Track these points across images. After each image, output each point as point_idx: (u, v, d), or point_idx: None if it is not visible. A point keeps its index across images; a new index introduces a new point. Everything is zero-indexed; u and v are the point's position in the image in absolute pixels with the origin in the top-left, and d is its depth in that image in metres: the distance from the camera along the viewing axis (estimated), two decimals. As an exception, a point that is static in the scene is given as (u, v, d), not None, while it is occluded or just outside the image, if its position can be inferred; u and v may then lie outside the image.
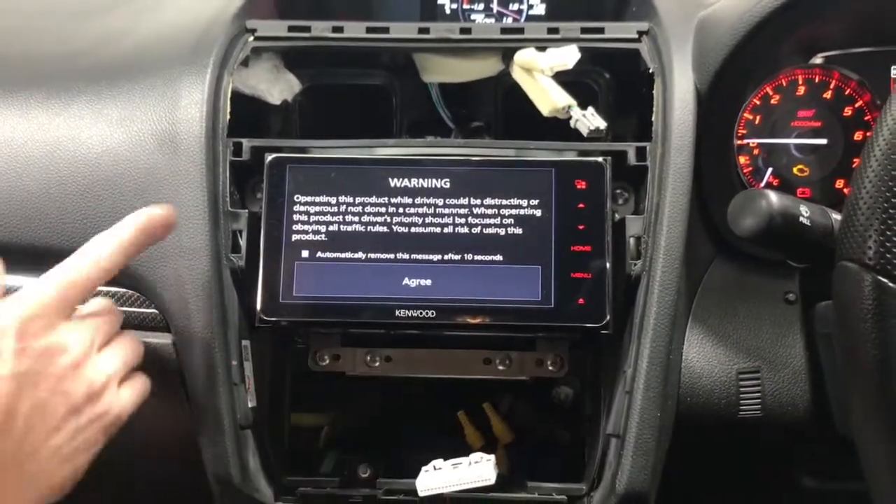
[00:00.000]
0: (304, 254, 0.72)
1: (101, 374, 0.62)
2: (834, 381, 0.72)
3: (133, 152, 0.75)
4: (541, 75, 0.78)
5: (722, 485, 0.90)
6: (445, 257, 0.72)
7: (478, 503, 0.73)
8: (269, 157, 0.74)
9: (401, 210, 0.73)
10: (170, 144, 0.74)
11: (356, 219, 0.73)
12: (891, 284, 0.48)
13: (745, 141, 0.79)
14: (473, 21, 1.01)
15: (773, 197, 0.59)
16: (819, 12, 0.75)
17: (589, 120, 0.75)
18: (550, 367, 0.77)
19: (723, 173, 0.78)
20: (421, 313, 0.71)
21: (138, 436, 0.85)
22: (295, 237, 0.72)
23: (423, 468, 0.74)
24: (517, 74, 0.81)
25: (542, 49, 0.79)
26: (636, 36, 0.81)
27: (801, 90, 0.79)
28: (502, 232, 0.72)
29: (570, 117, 0.76)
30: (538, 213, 0.72)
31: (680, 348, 0.73)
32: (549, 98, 0.77)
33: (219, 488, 0.72)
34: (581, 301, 0.71)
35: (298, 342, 0.81)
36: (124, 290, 0.76)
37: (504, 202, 0.73)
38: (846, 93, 0.78)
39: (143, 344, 0.69)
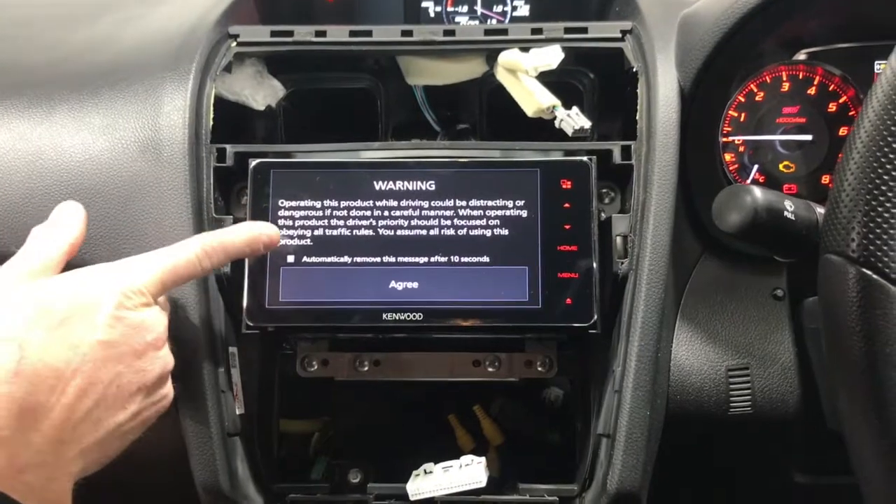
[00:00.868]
0: (290, 259, 0.72)
1: (170, 361, 0.63)
2: (823, 377, 0.72)
3: (116, 160, 0.74)
4: (525, 76, 0.78)
5: (713, 482, 0.90)
6: (432, 260, 0.72)
7: (469, 506, 0.73)
8: (253, 163, 0.73)
9: (386, 213, 0.73)
10: (153, 151, 0.74)
11: (341, 223, 0.72)
12: (875, 276, 0.48)
13: (731, 138, 0.79)
14: (457, 23, 1.01)
15: (758, 192, 0.59)
16: (801, 8, 0.75)
17: (574, 120, 0.74)
18: (540, 368, 0.77)
19: (709, 171, 0.78)
20: (408, 316, 0.71)
21: (125, 451, 0.84)
22: (280, 242, 0.72)
23: (414, 472, 0.74)
24: (501, 76, 0.80)
25: (526, 50, 0.79)
26: (619, 35, 0.81)
27: (786, 87, 0.79)
28: (488, 233, 0.72)
29: (555, 117, 0.76)
30: (524, 213, 0.72)
31: (669, 346, 0.73)
32: (533, 99, 0.77)
33: (207, 497, 0.71)
34: (568, 301, 0.71)
35: (286, 348, 0.80)
36: (109, 298, 0.75)
37: (490, 203, 0.72)
38: (830, 88, 0.78)
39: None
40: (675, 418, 0.72)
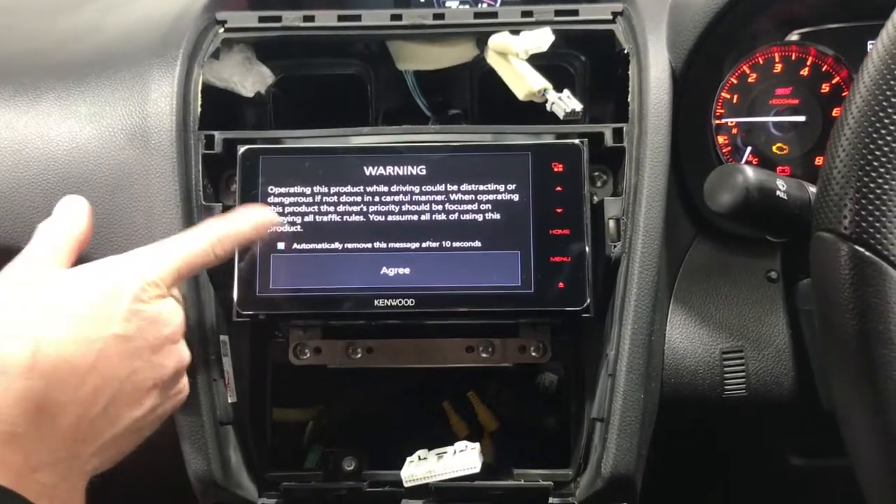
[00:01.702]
0: (280, 245, 0.71)
1: (186, 355, 0.63)
2: (818, 359, 0.72)
3: (103, 148, 0.74)
4: (516, 59, 0.77)
5: (708, 465, 0.90)
6: (423, 245, 0.71)
7: (464, 492, 0.72)
8: (242, 149, 0.73)
9: (377, 198, 0.72)
10: (140, 139, 0.73)
11: (332, 209, 0.72)
12: (867, 253, 0.47)
13: (724, 120, 0.79)
14: (448, 7, 1.00)
15: (749, 171, 0.59)
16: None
17: (565, 103, 0.74)
18: (533, 354, 0.77)
19: (702, 153, 0.78)
20: (400, 302, 0.71)
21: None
22: (270, 229, 0.71)
23: (408, 459, 0.74)
24: (492, 59, 0.80)
25: (517, 33, 0.78)
26: (610, 17, 0.80)
27: (778, 68, 0.78)
28: (480, 218, 0.71)
29: (546, 101, 0.75)
30: (516, 197, 0.71)
31: (662, 329, 0.73)
32: (524, 82, 0.76)
33: (200, 487, 0.71)
34: (561, 285, 0.70)
35: (278, 336, 0.80)
36: (99, 288, 0.74)
37: (481, 187, 0.72)
38: (823, 69, 0.78)
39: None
40: (669, 402, 0.72)
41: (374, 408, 0.91)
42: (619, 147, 0.74)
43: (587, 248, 0.71)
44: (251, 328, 0.77)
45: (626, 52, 0.77)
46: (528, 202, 0.71)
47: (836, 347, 0.51)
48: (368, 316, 0.72)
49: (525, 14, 0.79)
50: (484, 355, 0.77)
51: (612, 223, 0.73)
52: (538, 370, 0.87)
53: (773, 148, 0.79)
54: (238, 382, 0.75)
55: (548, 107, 0.75)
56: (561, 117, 0.74)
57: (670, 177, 0.72)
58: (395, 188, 0.72)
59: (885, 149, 0.47)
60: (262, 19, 0.80)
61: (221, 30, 0.80)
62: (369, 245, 0.71)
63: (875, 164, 0.48)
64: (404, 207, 0.72)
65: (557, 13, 0.79)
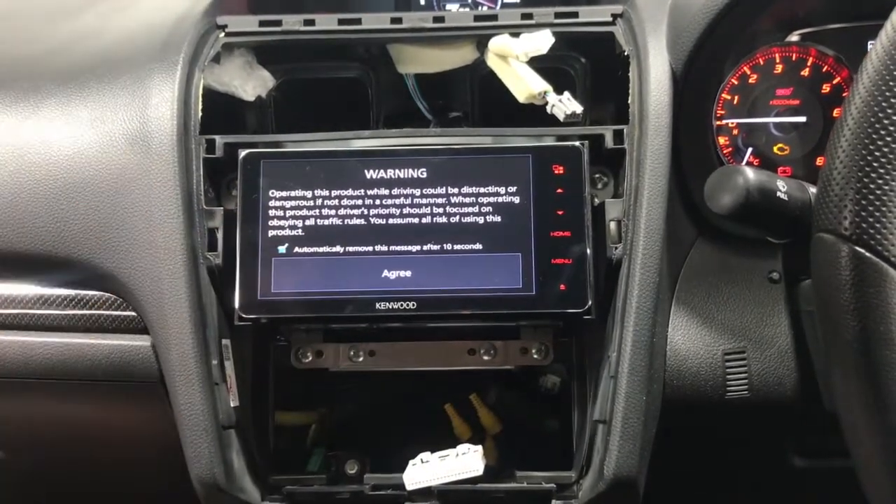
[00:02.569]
0: (281, 249, 0.71)
1: None
2: (820, 359, 0.72)
3: (105, 153, 0.74)
4: (516, 61, 0.77)
5: (711, 467, 0.90)
6: (424, 248, 0.71)
7: (466, 495, 0.72)
8: (243, 153, 0.73)
9: (378, 202, 0.72)
10: (141, 144, 0.73)
11: (333, 212, 0.72)
12: (868, 254, 0.47)
13: (724, 121, 0.78)
14: (448, 10, 1.00)
15: (750, 172, 0.59)
16: (791, -12, 0.74)
17: (565, 105, 0.74)
18: (535, 356, 0.77)
19: (702, 154, 0.78)
20: (402, 305, 0.71)
21: (121, 445, 0.84)
22: (271, 233, 0.71)
23: (411, 462, 0.74)
24: (492, 62, 0.80)
25: (517, 35, 0.78)
26: (610, 19, 0.80)
27: (779, 68, 0.78)
28: (481, 220, 0.71)
29: (547, 103, 0.75)
30: (516, 199, 0.71)
31: (664, 331, 0.73)
32: (524, 84, 0.76)
33: (203, 491, 0.71)
34: (563, 287, 0.70)
35: (280, 340, 0.80)
36: (101, 293, 0.75)
37: (482, 190, 0.72)
38: (824, 70, 0.78)
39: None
40: (671, 403, 0.72)
41: (377, 411, 0.91)
42: (620, 149, 0.73)
43: (588, 250, 0.71)
44: (253, 332, 0.77)
45: (626, 53, 0.77)
46: (529, 204, 0.71)
47: (838, 348, 0.51)
48: (370, 319, 0.72)
49: (525, 16, 0.79)
50: (486, 358, 0.77)
51: (613, 225, 0.73)
52: (540, 372, 0.87)
53: (774, 149, 0.78)
54: (240, 386, 0.75)
55: (548, 109, 0.75)
56: (561, 119, 0.74)
57: (671, 178, 0.72)
58: (396, 191, 0.72)
59: (885, 149, 0.47)
60: (262, 23, 0.80)
61: (222, 34, 0.80)
62: (370, 248, 0.71)
63: (875, 164, 0.48)
64: (405, 210, 0.72)
65: (557, 15, 0.80)
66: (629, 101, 0.75)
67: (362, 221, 0.72)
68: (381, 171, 0.72)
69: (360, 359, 0.78)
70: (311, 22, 0.80)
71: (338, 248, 0.72)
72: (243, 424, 0.74)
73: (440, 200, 0.72)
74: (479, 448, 0.73)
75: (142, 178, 0.72)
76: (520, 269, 0.71)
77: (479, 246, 0.71)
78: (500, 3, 1.01)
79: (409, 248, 0.71)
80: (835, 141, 0.51)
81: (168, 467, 0.75)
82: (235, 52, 0.82)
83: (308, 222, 0.72)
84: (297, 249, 0.72)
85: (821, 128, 0.78)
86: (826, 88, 0.78)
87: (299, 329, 0.77)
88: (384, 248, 0.71)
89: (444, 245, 0.71)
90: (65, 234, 0.73)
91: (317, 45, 0.82)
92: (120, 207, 0.73)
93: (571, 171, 0.72)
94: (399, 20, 0.80)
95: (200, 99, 0.76)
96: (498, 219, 0.71)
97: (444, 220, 0.72)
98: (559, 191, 0.72)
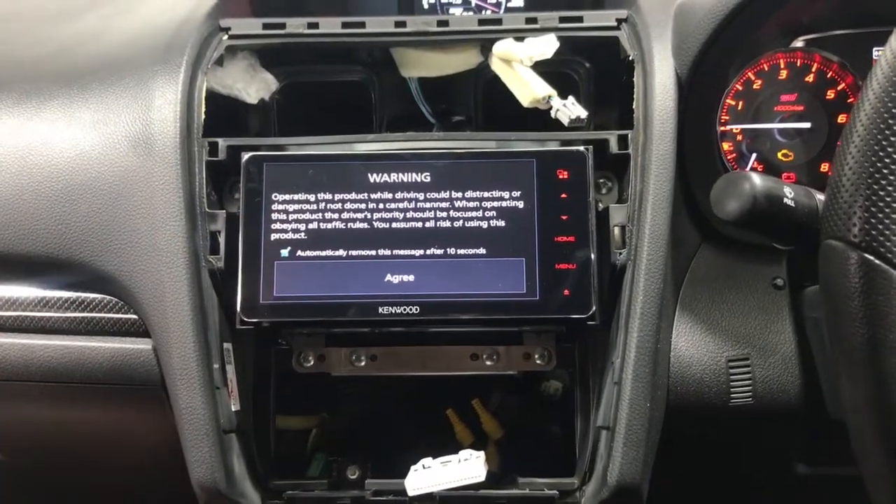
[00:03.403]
0: (284, 253, 0.71)
1: None
2: (824, 367, 0.71)
3: (107, 155, 0.74)
4: (520, 66, 0.77)
5: (715, 474, 0.89)
6: (428, 252, 0.71)
7: (468, 501, 0.72)
8: (246, 156, 0.73)
9: (381, 205, 0.72)
10: (144, 146, 0.73)
11: (336, 216, 0.72)
12: (877, 261, 0.47)
13: (729, 127, 0.78)
14: (452, 14, 1.00)
15: (756, 178, 0.58)
16: (796, -6, 0.74)
17: (570, 109, 0.74)
18: (538, 361, 0.76)
19: (707, 160, 0.77)
20: (404, 310, 0.70)
21: (121, 449, 0.84)
22: (274, 236, 0.71)
23: (413, 467, 0.73)
24: (496, 66, 0.80)
25: (521, 39, 0.78)
26: (615, 24, 0.80)
27: (784, 74, 0.78)
28: (485, 225, 0.71)
29: (551, 107, 0.75)
30: (520, 204, 0.71)
31: (668, 337, 0.72)
32: (529, 89, 0.76)
33: (204, 495, 0.70)
34: (566, 292, 0.70)
35: (282, 343, 0.80)
36: (103, 295, 0.74)
37: (486, 194, 0.72)
38: (828, 76, 0.77)
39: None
40: (675, 410, 0.72)
41: (378, 416, 0.91)
42: (625, 154, 0.73)
43: (592, 256, 0.70)
44: (255, 336, 0.77)
45: (630, 58, 0.77)
46: (533, 209, 0.71)
47: (846, 357, 0.50)
48: (373, 323, 0.72)
49: (529, 21, 0.79)
50: (488, 363, 0.77)
51: (617, 230, 0.72)
52: (543, 377, 0.87)
53: (779, 154, 0.78)
54: (241, 390, 0.74)
55: (552, 114, 0.75)
56: (565, 124, 0.73)
57: (675, 183, 0.72)
58: (399, 195, 0.72)
59: (895, 156, 0.47)
60: (266, 26, 0.80)
61: (225, 37, 0.80)
62: (373, 252, 0.71)
63: (885, 171, 0.47)
64: (409, 214, 0.72)
65: (562, 20, 0.79)
66: (634, 106, 0.75)
67: (365, 225, 0.72)
68: (385, 174, 0.72)
69: (362, 363, 0.78)
70: (314, 25, 0.80)
71: (341, 252, 0.71)
72: (244, 428, 0.74)
73: (444, 204, 0.72)
74: (482, 454, 0.73)
75: (144, 180, 0.72)
76: (523, 274, 0.70)
77: (482, 250, 0.71)
78: (503, 7, 1.00)
79: (413, 252, 0.71)
80: (844, 147, 0.51)
81: (168, 471, 0.74)
82: (239, 55, 0.82)
83: (311, 226, 0.71)
84: (299, 253, 0.71)
85: (825, 134, 0.77)
86: (831, 94, 0.77)
87: (301, 333, 0.77)
88: (387, 251, 0.71)
89: (448, 249, 0.71)
90: (66, 236, 0.72)
91: (320, 49, 0.82)
92: (122, 210, 0.72)
93: (576, 175, 0.71)
94: (403, 24, 0.80)
95: (203, 101, 0.75)
96: (502, 223, 0.71)
97: (447, 224, 0.71)
98: (563, 196, 0.71)
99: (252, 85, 0.83)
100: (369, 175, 0.72)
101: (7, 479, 0.92)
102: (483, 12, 1.01)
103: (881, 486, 0.51)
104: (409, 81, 0.88)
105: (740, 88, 0.78)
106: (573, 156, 0.72)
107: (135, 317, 0.74)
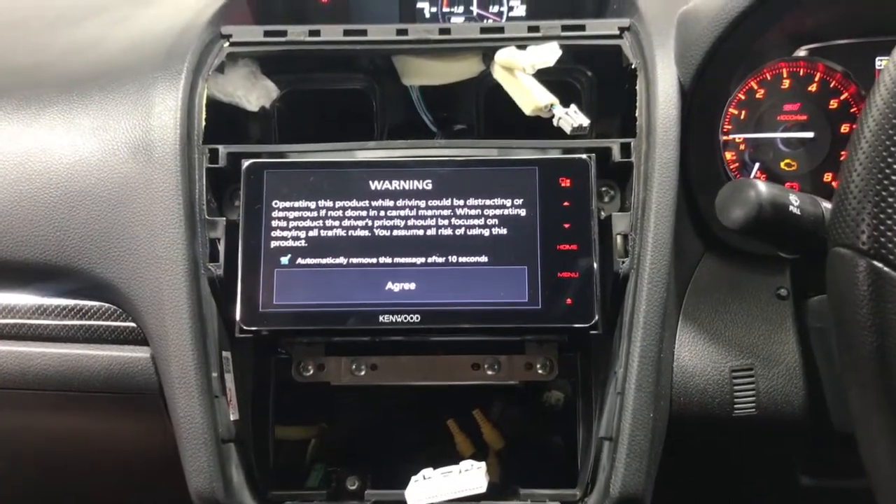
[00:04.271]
0: (284, 260, 0.71)
1: None
2: (829, 377, 0.71)
3: (106, 162, 0.73)
4: (522, 74, 0.77)
5: (718, 485, 0.89)
6: (429, 260, 0.70)
7: (469, 512, 0.71)
8: (246, 163, 0.72)
9: (382, 213, 0.71)
10: (144, 153, 0.72)
11: (336, 223, 0.71)
12: (886, 269, 0.47)
13: (731, 136, 0.78)
14: (454, 22, 1.00)
15: (762, 186, 0.58)
16: (800, 3, 0.74)
17: (572, 117, 0.73)
18: (540, 371, 0.76)
19: (709, 169, 0.77)
20: (405, 318, 0.70)
21: (119, 457, 0.83)
22: (274, 244, 0.71)
23: (413, 478, 0.72)
24: (498, 74, 0.79)
25: (523, 48, 0.78)
26: (617, 32, 0.80)
27: (786, 83, 0.78)
28: (487, 233, 0.71)
29: (553, 116, 0.75)
30: (523, 212, 0.71)
31: (671, 347, 0.72)
32: (531, 97, 0.76)
33: (202, 505, 0.69)
34: (569, 301, 0.69)
35: (281, 352, 0.79)
36: (100, 303, 0.74)
37: (488, 202, 0.71)
38: (831, 85, 0.77)
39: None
40: (678, 420, 0.71)
41: (378, 426, 0.90)
42: (627, 162, 0.73)
43: (595, 264, 0.70)
44: (254, 344, 0.76)
45: (633, 66, 0.77)
46: (536, 217, 0.71)
47: (855, 365, 0.50)
48: (373, 332, 0.71)
49: (532, 29, 0.79)
50: (490, 372, 0.77)
51: (619, 239, 0.72)
52: (544, 387, 0.86)
53: (781, 164, 0.78)
54: (240, 399, 0.74)
55: (554, 122, 0.74)
56: (568, 132, 0.73)
57: (678, 192, 0.71)
58: (400, 202, 0.71)
59: (903, 163, 0.47)
60: (267, 34, 0.80)
61: (226, 44, 0.80)
62: (374, 260, 0.71)
63: (893, 178, 0.47)
64: (410, 222, 0.71)
65: (564, 28, 0.79)
66: (636, 114, 0.74)
67: (366, 233, 0.71)
68: (386, 182, 0.72)
69: (363, 373, 0.77)
70: (316, 32, 0.79)
71: (341, 260, 0.71)
72: (243, 438, 0.73)
73: (445, 212, 0.71)
74: (483, 465, 0.72)
75: (144, 187, 0.72)
76: (525, 283, 0.70)
77: (484, 259, 0.70)
78: (505, 15, 1.00)
79: (414, 260, 0.71)
80: (851, 155, 0.50)
81: (166, 480, 0.73)
82: (240, 62, 0.81)
83: (311, 233, 0.71)
84: (299, 261, 0.71)
85: (828, 143, 0.77)
86: (834, 104, 0.77)
87: (301, 342, 0.76)
88: (388, 260, 0.71)
89: (450, 257, 0.70)
90: (65, 243, 0.72)
91: (321, 56, 0.82)
92: (121, 217, 0.72)
93: (579, 183, 0.71)
94: (405, 32, 0.79)
95: (204, 108, 0.75)
96: (504, 231, 0.71)
97: (449, 232, 0.71)
98: (566, 204, 0.71)
99: (253, 92, 0.82)
100: (370, 182, 0.72)
101: (5, 487, 0.92)
102: (485, 21, 1.00)
103: (890, 495, 0.50)
104: (410, 90, 0.88)
105: (743, 97, 0.78)
106: (576, 164, 0.72)
107: (133, 325, 0.73)
